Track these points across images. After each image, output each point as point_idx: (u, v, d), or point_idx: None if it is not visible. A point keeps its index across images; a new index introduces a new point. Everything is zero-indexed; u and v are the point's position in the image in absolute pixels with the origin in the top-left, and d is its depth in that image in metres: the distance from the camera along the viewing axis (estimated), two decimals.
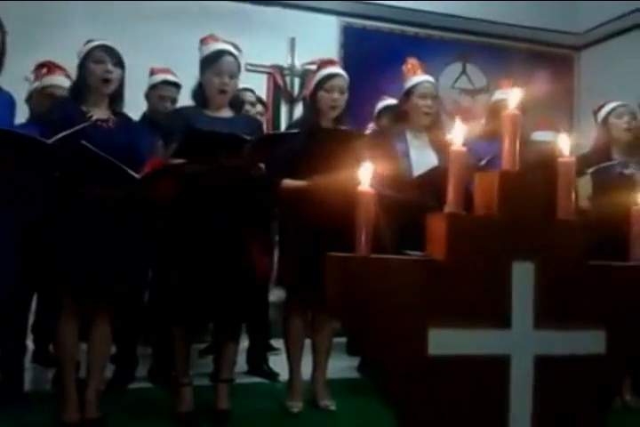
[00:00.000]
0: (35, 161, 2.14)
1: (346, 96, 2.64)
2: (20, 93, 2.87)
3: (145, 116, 3.08)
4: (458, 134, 1.33)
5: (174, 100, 3.11)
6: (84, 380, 2.33)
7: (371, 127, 3.50)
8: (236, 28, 3.67)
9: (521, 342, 1.34)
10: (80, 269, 2.19)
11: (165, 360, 2.77)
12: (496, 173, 1.34)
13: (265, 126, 3.50)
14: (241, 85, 3.24)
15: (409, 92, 2.82)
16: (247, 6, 4.62)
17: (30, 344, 3.13)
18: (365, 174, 1.29)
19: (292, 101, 4.87)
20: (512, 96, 1.38)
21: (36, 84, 2.97)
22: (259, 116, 3.16)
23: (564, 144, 1.41)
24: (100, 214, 2.21)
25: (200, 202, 2.33)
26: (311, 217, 2.45)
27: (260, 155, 2.35)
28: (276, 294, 3.21)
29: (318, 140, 2.48)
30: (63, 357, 2.28)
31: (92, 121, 2.24)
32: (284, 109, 4.87)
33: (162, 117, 2.84)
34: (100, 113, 2.32)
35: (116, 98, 2.38)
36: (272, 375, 3.17)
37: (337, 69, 2.69)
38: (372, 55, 4.83)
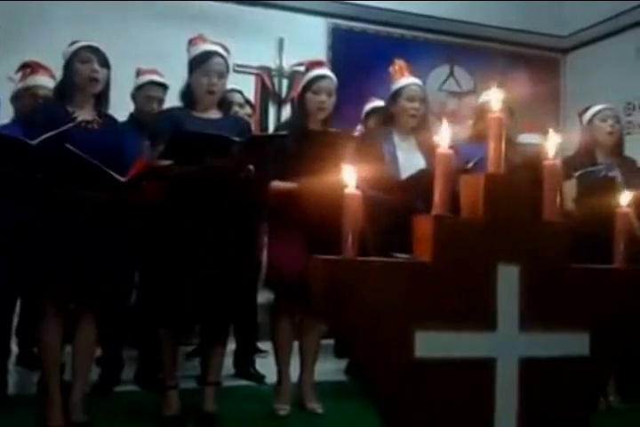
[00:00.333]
0: (17, 162, 2.12)
1: (334, 98, 2.64)
2: (4, 93, 2.86)
3: (132, 117, 3.07)
4: (444, 137, 1.33)
5: (161, 101, 3.09)
6: (70, 383, 2.31)
7: (359, 129, 3.51)
8: (224, 29, 3.66)
9: (506, 344, 1.35)
10: (64, 272, 2.17)
11: (152, 363, 2.75)
12: (482, 176, 1.34)
13: (252, 128, 3.50)
14: (229, 86, 3.24)
15: (396, 95, 2.83)
16: (235, 7, 4.61)
17: (14, 347, 3.10)
18: (352, 177, 1.29)
19: (279, 103, 4.87)
20: (497, 98, 1.38)
21: (20, 84, 2.94)
22: (247, 118, 3.16)
23: (550, 146, 1.42)
24: (85, 217, 2.19)
25: (187, 203, 2.32)
26: (300, 219, 2.45)
27: (248, 156, 2.34)
28: (263, 297, 3.20)
29: (307, 142, 2.48)
30: (48, 359, 2.26)
31: (76, 122, 2.22)
32: (271, 111, 4.87)
33: (149, 118, 2.83)
34: (85, 114, 2.31)
35: (102, 99, 2.37)
36: (259, 378, 3.16)
37: (325, 71, 2.69)
38: (360, 57, 4.84)
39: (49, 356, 2.25)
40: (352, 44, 4.97)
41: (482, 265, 1.33)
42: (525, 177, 1.38)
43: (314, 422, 2.54)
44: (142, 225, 2.43)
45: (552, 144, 1.42)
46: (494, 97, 1.39)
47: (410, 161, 2.70)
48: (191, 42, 2.51)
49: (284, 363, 2.65)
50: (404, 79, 2.86)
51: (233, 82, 3.28)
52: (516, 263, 1.34)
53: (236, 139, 2.23)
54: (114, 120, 2.43)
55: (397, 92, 2.83)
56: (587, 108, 3.10)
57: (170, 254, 2.32)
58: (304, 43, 4.67)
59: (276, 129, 3.17)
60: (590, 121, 3.03)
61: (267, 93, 4.83)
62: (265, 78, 4.81)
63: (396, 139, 2.80)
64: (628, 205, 1.48)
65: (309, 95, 2.62)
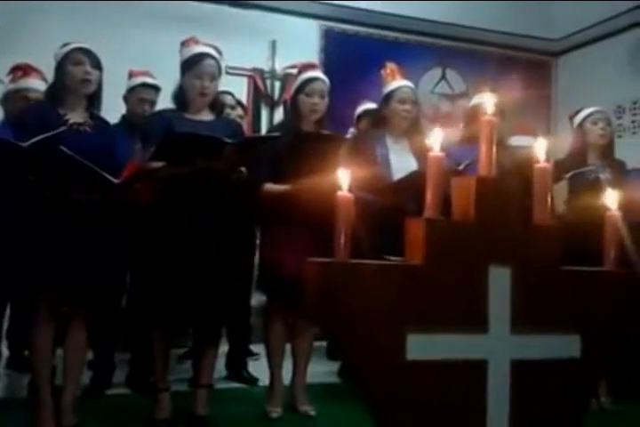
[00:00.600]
0: (7, 164, 2.11)
1: (326, 100, 2.65)
2: None
3: (123, 119, 3.06)
4: (436, 140, 1.34)
5: (153, 103, 3.08)
6: (60, 386, 2.30)
7: (351, 131, 3.51)
8: (217, 31, 3.66)
9: (498, 346, 1.35)
10: (57, 275, 2.16)
11: (143, 366, 2.74)
12: (473, 179, 1.35)
13: (245, 130, 3.49)
14: (220, 88, 3.24)
15: (388, 97, 2.84)
16: (228, 9, 4.61)
17: (5, 350, 3.08)
18: (345, 179, 1.29)
19: (272, 105, 4.87)
20: (488, 101, 1.39)
21: (11, 86, 2.93)
22: (238, 119, 3.15)
23: (541, 150, 1.43)
24: (77, 219, 2.18)
25: (179, 205, 2.31)
26: (292, 221, 2.45)
27: (240, 158, 2.34)
28: (256, 299, 3.20)
29: (299, 145, 2.48)
30: (39, 363, 2.25)
31: (68, 124, 2.22)
32: (264, 113, 4.86)
33: (141, 120, 2.82)
34: (76, 116, 2.30)
35: (94, 101, 2.36)
36: (251, 381, 3.16)
37: (317, 73, 2.70)
38: (352, 59, 4.85)
39: (40, 359, 2.24)
40: (345, 46, 4.98)
41: (473, 268, 1.33)
42: (516, 180, 1.38)
43: (306, 425, 2.54)
44: (135, 227, 2.42)
45: (542, 147, 1.43)
46: (486, 100, 1.40)
47: (402, 163, 2.70)
48: (183, 44, 2.51)
49: (277, 365, 2.65)
50: (396, 82, 2.87)
51: (225, 84, 3.27)
52: (508, 266, 1.35)
53: (228, 140, 2.23)
54: (106, 122, 2.43)
55: (389, 95, 2.84)
56: (578, 111, 3.12)
57: (162, 256, 2.32)
58: (297, 45, 4.67)
59: (269, 131, 3.17)
60: (581, 124, 3.05)
61: (259, 95, 4.83)
62: (257, 80, 4.81)
63: (389, 141, 2.81)
64: (618, 208, 1.48)
65: (302, 97, 2.63)
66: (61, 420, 2.24)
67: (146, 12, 4.35)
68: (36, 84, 2.82)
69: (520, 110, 3.68)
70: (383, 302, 1.29)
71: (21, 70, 2.95)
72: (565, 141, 3.16)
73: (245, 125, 3.69)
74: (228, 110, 3.05)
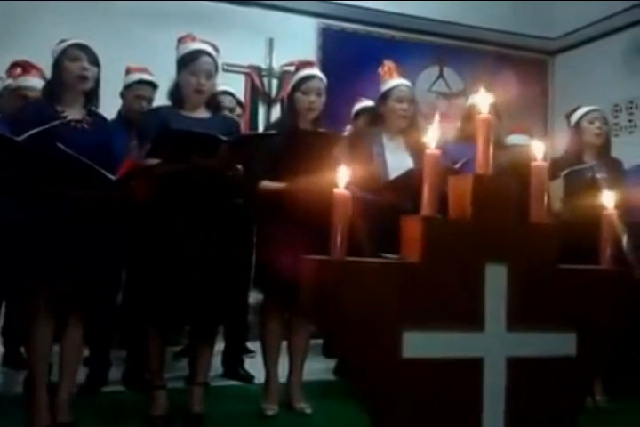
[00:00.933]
0: (3, 159, 2.11)
1: (323, 98, 2.64)
2: None
3: (120, 116, 3.05)
4: (432, 138, 1.34)
5: (150, 100, 3.08)
6: (56, 383, 2.30)
7: (348, 129, 3.51)
8: (214, 28, 3.65)
9: (494, 344, 1.35)
10: (53, 272, 2.16)
11: (139, 363, 2.74)
12: (469, 177, 1.35)
13: (242, 127, 3.49)
14: (221, 88, 3.23)
15: (385, 96, 2.84)
16: (226, 6, 4.60)
17: (0, 347, 3.08)
18: (342, 177, 1.29)
19: (269, 103, 4.87)
20: (485, 100, 1.39)
21: (8, 81, 2.91)
22: (236, 118, 3.14)
23: (538, 149, 1.43)
24: (72, 216, 2.18)
25: (176, 202, 2.31)
26: (289, 219, 2.45)
27: (237, 156, 2.34)
28: (252, 297, 3.20)
29: (296, 142, 2.47)
30: (36, 361, 2.24)
31: (64, 119, 2.21)
32: (261, 111, 4.86)
33: (137, 117, 2.81)
34: (74, 113, 2.29)
35: (92, 97, 2.36)
36: (247, 378, 3.16)
37: (314, 71, 2.69)
38: (350, 57, 4.85)
39: (38, 357, 2.24)
40: (342, 44, 4.98)
41: (470, 265, 1.34)
42: (513, 179, 1.38)
43: (302, 422, 2.55)
44: (131, 224, 2.42)
45: (539, 146, 1.43)
46: (483, 99, 1.40)
47: (398, 162, 2.70)
48: (180, 40, 2.50)
49: (272, 363, 2.65)
50: (393, 80, 2.87)
51: (223, 81, 3.27)
52: (504, 264, 1.35)
53: (224, 138, 2.22)
54: (103, 119, 2.42)
55: (386, 93, 2.84)
56: (574, 110, 3.12)
57: (159, 254, 2.31)
58: (294, 43, 4.67)
59: (266, 129, 3.16)
60: (578, 122, 3.05)
61: (256, 93, 4.83)
62: (255, 78, 4.81)
63: (385, 139, 2.81)
64: (614, 207, 1.49)
65: (299, 95, 2.62)
66: (57, 417, 2.24)
67: (144, 9, 4.34)
68: (35, 83, 2.81)
69: (517, 109, 3.69)
70: (379, 300, 1.29)
71: (21, 67, 2.94)
72: (562, 140, 3.17)
73: (242, 123, 3.69)
74: (226, 112, 3.03)
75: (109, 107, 2.67)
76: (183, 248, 2.30)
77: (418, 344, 1.30)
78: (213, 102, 2.52)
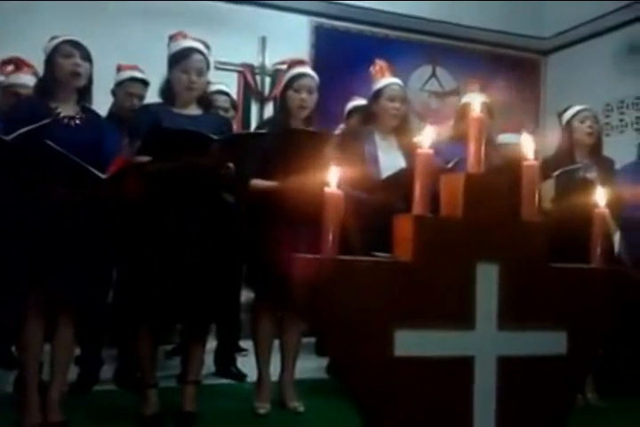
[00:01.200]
0: None
1: (315, 96, 2.64)
2: None
3: (111, 113, 3.04)
4: (425, 137, 1.34)
5: (142, 98, 3.06)
6: (47, 382, 2.29)
7: (341, 128, 3.51)
8: (207, 26, 3.65)
9: (484, 342, 1.36)
10: (42, 271, 2.15)
11: (131, 362, 2.73)
12: (461, 176, 1.35)
13: (234, 126, 3.48)
14: (217, 87, 3.22)
15: (377, 95, 2.84)
16: (219, 4, 4.60)
17: None
18: (334, 176, 1.29)
19: (262, 101, 4.86)
20: (477, 100, 1.39)
21: (0, 78, 2.89)
22: (229, 116, 3.13)
23: (529, 147, 1.43)
24: (63, 215, 2.17)
25: (167, 200, 2.30)
26: (280, 217, 2.45)
27: (228, 154, 2.33)
28: (244, 295, 3.19)
29: (287, 141, 2.47)
30: (27, 360, 2.24)
31: (56, 116, 2.20)
32: (254, 109, 4.86)
33: (128, 115, 2.80)
34: (67, 109, 2.28)
35: (85, 94, 2.35)
36: (240, 376, 3.16)
37: (306, 69, 2.69)
38: (343, 56, 4.86)
39: (29, 356, 2.23)
40: (336, 43, 4.98)
41: (461, 264, 1.34)
42: (504, 178, 1.39)
43: (294, 421, 2.55)
44: (122, 222, 2.41)
45: (530, 145, 1.43)
46: (475, 98, 1.40)
47: (390, 161, 2.71)
48: (172, 38, 2.50)
49: (265, 361, 2.65)
50: (385, 79, 2.87)
51: (216, 79, 3.26)
52: (495, 263, 1.36)
53: (214, 136, 2.22)
54: (97, 116, 2.41)
55: (378, 92, 2.84)
56: (565, 110, 3.14)
57: (149, 252, 2.30)
58: (287, 41, 4.67)
59: (259, 127, 3.16)
60: (569, 122, 3.07)
61: (249, 91, 4.82)
62: (248, 76, 4.80)
63: (377, 138, 2.81)
64: (605, 206, 1.50)
65: (290, 93, 2.62)
66: (48, 416, 2.23)
67: (137, 7, 4.32)
68: (27, 80, 2.79)
69: (509, 108, 3.71)
70: (371, 299, 1.29)
71: (13, 64, 2.92)
72: (554, 139, 3.18)
73: (235, 122, 3.68)
74: (220, 112, 3.02)
75: (101, 104, 2.66)
76: (174, 246, 2.29)
77: (409, 343, 1.30)
78: (205, 100, 2.52)
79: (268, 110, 4.73)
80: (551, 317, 1.41)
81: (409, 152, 2.59)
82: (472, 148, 1.36)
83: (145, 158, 2.23)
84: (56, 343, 2.28)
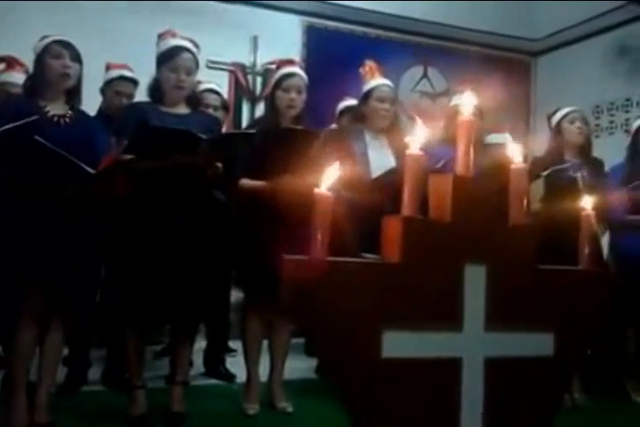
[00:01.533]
0: None
1: (304, 96, 2.64)
2: None
3: (100, 112, 3.02)
4: (414, 139, 1.34)
5: (131, 96, 3.05)
6: (35, 382, 2.27)
7: (332, 127, 3.50)
8: (199, 25, 3.64)
9: (472, 344, 1.36)
10: (36, 270, 2.13)
11: (119, 363, 2.72)
12: (449, 178, 1.35)
13: (225, 125, 3.47)
14: (208, 86, 3.20)
15: (367, 95, 2.85)
16: (211, 3, 4.58)
17: None
18: (325, 177, 1.28)
19: (253, 100, 4.85)
20: (467, 102, 1.40)
21: None
22: (218, 115, 3.12)
23: (517, 151, 1.44)
24: (50, 215, 2.15)
25: (154, 200, 2.29)
26: (269, 217, 2.44)
27: (216, 154, 2.33)
28: (234, 295, 3.19)
29: (276, 140, 2.47)
30: (18, 363, 2.22)
31: (45, 112, 2.18)
32: (245, 108, 4.85)
33: (117, 113, 2.79)
34: (57, 108, 2.27)
35: (74, 93, 2.33)
36: (229, 377, 3.15)
37: (295, 69, 2.69)
38: (335, 56, 4.85)
39: (21, 362, 2.21)
40: (327, 42, 4.98)
41: (449, 266, 1.34)
42: (493, 180, 1.39)
43: (283, 421, 2.54)
44: (110, 222, 2.39)
45: (519, 148, 1.44)
46: (465, 100, 1.40)
47: (381, 160, 2.71)
48: (160, 36, 2.49)
49: (253, 362, 2.64)
50: (375, 80, 2.88)
51: (207, 78, 3.25)
52: (483, 264, 1.36)
53: (203, 136, 2.21)
54: (86, 115, 2.40)
55: (368, 93, 2.85)
56: (555, 111, 3.15)
57: (138, 251, 2.29)
58: (279, 41, 4.66)
59: (249, 126, 3.15)
60: (559, 123, 3.08)
61: (241, 90, 4.81)
62: (239, 75, 4.79)
63: (368, 137, 2.81)
64: (593, 208, 1.50)
65: (279, 93, 2.62)
66: (35, 417, 2.21)
67: (128, 6, 4.30)
68: (19, 79, 2.76)
69: (500, 109, 3.71)
70: (359, 300, 1.29)
71: (5, 62, 2.89)
72: (544, 140, 3.20)
73: (227, 121, 3.67)
74: (210, 110, 3.01)
75: (91, 103, 2.65)
76: (163, 246, 2.28)
77: (397, 344, 1.30)
78: (194, 99, 2.51)
79: (260, 110, 4.72)
80: (538, 318, 1.41)
81: (399, 152, 2.59)
82: (461, 150, 1.36)
83: (130, 156, 2.21)
84: (46, 346, 2.27)
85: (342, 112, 3.56)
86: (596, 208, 1.52)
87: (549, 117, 3.17)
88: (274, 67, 2.92)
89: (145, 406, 2.38)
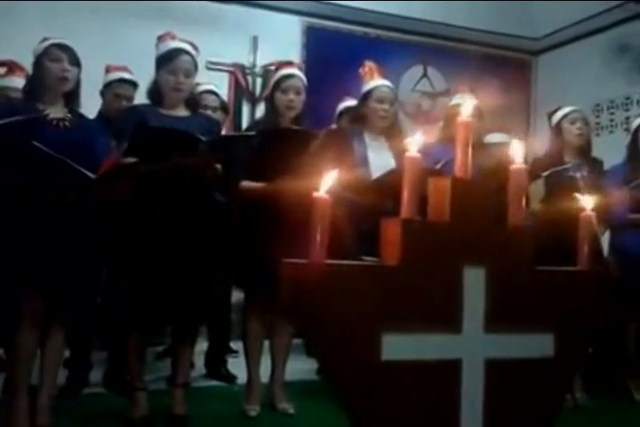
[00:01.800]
0: None
1: (303, 97, 2.64)
2: None
3: (100, 115, 3.02)
4: (414, 141, 1.33)
5: (130, 99, 3.05)
6: (36, 385, 2.27)
7: (332, 128, 3.50)
8: (198, 26, 3.64)
9: (472, 345, 1.36)
10: (37, 273, 2.13)
11: (120, 365, 2.72)
12: (448, 180, 1.35)
13: (225, 126, 3.47)
14: (206, 87, 3.20)
15: (366, 96, 2.85)
16: (210, 4, 4.58)
17: None
18: (323, 179, 1.28)
19: (253, 101, 4.85)
20: (466, 103, 1.39)
21: None
22: (218, 117, 3.12)
23: (517, 151, 1.44)
24: (52, 218, 2.15)
25: (155, 202, 2.29)
26: (269, 219, 2.44)
27: (216, 155, 2.33)
28: (235, 296, 3.19)
29: (276, 141, 2.47)
30: (19, 367, 2.22)
31: (44, 115, 2.18)
32: (245, 109, 4.84)
33: (117, 116, 2.79)
34: (56, 111, 2.27)
35: (73, 97, 2.34)
36: (230, 378, 3.15)
37: (293, 70, 2.69)
38: (334, 56, 4.85)
39: (22, 365, 2.21)
40: (327, 43, 4.97)
41: (448, 268, 1.34)
42: (491, 181, 1.39)
43: (285, 423, 2.54)
44: (111, 224, 2.40)
45: (519, 148, 1.43)
46: (464, 101, 1.40)
47: (381, 161, 2.71)
48: (160, 39, 2.49)
49: (254, 363, 2.64)
50: (374, 81, 2.88)
51: (206, 79, 3.25)
52: (482, 266, 1.35)
53: (203, 138, 2.21)
54: (86, 118, 2.40)
55: (367, 94, 2.84)
56: (555, 110, 3.15)
57: (139, 253, 2.29)
58: (278, 41, 4.66)
59: (249, 128, 3.15)
60: (559, 123, 3.08)
61: (241, 91, 4.81)
62: (239, 76, 4.79)
63: (367, 138, 2.81)
64: (592, 209, 1.50)
65: (278, 94, 2.62)
66: (36, 420, 2.21)
67: (127, 8, 4.30)
68: (19, 84, 2.77)
69: (499, 109, 3.70)
70: (359, 303, 1.28)
71: (6, 67, 2.90)
72: (544, 140, 3.19)
73: (226, 122, 3.67)
74: (209, 111, 3.01)
75: (90, 106, 2.65)
76: (164, 247, 2.28)
77: (397, 347, 1.30)
78: (192, 101, 2.51)
79: (260, 110, 4.71)
80: (538, 319, 1.41)
81: (399, 153, 2.58)
82: (459, 151, 1.36)
83: (132, 160, 2.21)
84: (47, 349, 2.27)
85: (342, 113, 3.56)
86: (596, 208, 1.52)
87: (550, 116, 3.17)
88: (273, 68, 2.93)
89: (146, 409, 2.38)
